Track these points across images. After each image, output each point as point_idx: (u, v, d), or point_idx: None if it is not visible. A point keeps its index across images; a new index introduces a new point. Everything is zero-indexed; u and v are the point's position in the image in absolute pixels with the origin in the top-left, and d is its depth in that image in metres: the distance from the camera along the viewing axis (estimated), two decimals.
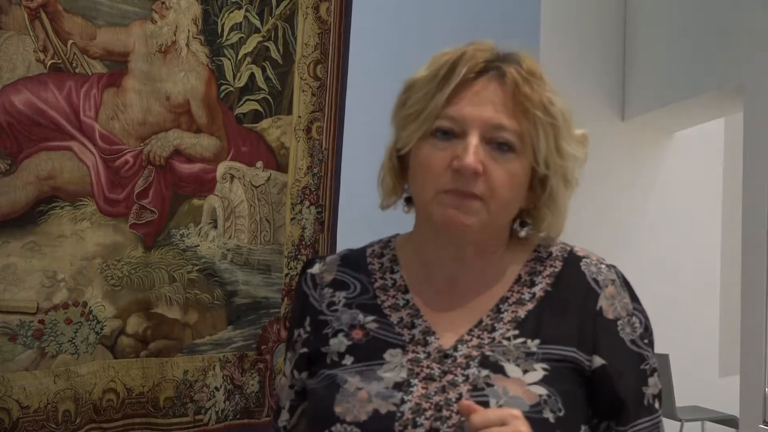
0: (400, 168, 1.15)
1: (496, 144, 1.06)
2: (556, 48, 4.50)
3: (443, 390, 1.03)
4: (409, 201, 1.19)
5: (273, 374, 2.26)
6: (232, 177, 2.22)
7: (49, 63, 1.91)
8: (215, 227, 2.19)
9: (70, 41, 1.94)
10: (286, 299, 2.27)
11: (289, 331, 1.22)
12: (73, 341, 1.94)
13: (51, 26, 1.91)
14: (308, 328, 1.16)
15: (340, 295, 1.16)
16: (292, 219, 2.33)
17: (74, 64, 1.95)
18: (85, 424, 1.96)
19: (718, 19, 4.01)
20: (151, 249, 2.08)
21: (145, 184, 2.07)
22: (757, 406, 3.18)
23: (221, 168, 2.20)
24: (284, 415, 1.21)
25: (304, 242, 2.35)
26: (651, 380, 1.10)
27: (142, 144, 2.06)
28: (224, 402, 2.20)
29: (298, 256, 2.31)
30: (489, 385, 1.03)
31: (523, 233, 1.17)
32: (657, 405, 1.11)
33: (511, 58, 1.10)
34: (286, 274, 2.30)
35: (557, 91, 1.11)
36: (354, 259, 1.21)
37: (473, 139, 1.05)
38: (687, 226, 5.68)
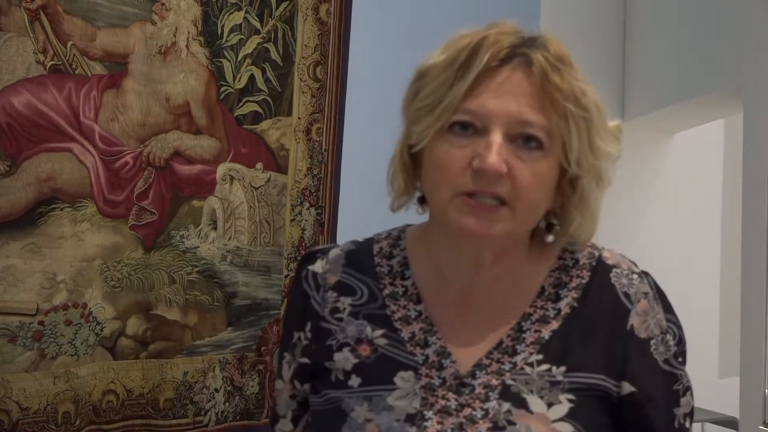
0: (413, 165, 1.03)
1: (522, 141, 0.94)
2: None
3: (461, 428, 0.95)
4: (422, 200, 1.07)
5: (273, 376, 2.26)
6: (232, 178, 2.22)
7: (49, 64, 1.90)
8: (215, 229, 2.19)
9: (70, 42, 1.94)
10: (285, 300, 2.27)
11: (285, 330, 1.12)
12: (73, 342, 1.94)
13: (51, 27, 1.91)
14: (309, 335, 1.07)
15: (345, 302, 1.06)
16: (291, 220, 2.33)
17: (74, 66, 1.95)
18: (85, 425, 1.96)
19: (717, 21, 4.01)
20: (150, 250, 2.08)
21: (144, 186, 2.06)
22: (757, 408, 3.18)
23: (221, 169, 2.20)
24: (287, 425, 1.13)
25: (303, 243, 2.35)
26: (683, 400, 1.03)
27: (141, 145, 2.06)
28: (224, 403, 2.20)
29: (298, 258, 2.31)
30: (510, 423, 0.94)
31: (550, 238, 1.05)
32: (687, 424, 1.04)
33: (538, 42, 0.98)
34: (286, 276, 2.30)
35: (588, 81, 0.99)
36: (360, 259, 1.09)
37: (497, 137, 0.93)
38: (686, 226, 5.67)
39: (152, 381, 2.07)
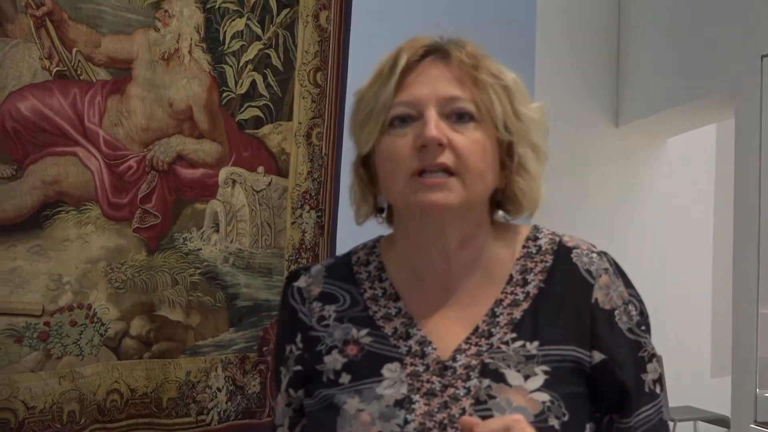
0: (368, 176, 1.10)
1: (456, 116, 1.01)
2: (552, 59, 4.51)
3: (446, 406, 0.99)
4: (380, 211, 1.14)
5: (273, 376, 2.26)
6: (234, 182, 2.22)
7: (55, 70, 1.91)
8: (217, 231, 2.20)
9: (75, 49, 1.94)
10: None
11: (278, 346, 1.16)
12: (78, 343, 1.94)
13: (56, 34, 1.91)
14: (300, 345, 1.11)
15: (330, 309, 1.10)
16: (292, 223, 2.33)
17: (79, 72, 1.95)
18: (89, 424, 1.96)
19: (709, 28, 4.02)
20: (154, 252, 2.08)
21: (148, 189, 2.07)
22: (748, 407, 3.18)
23: (223, 173, 2.20)
24: None
25: (304, 246, 2.35)
26: (650, 366, 1.07)
27: (145, 149, 2.06)
28: (226, 402, 2.20)
29: (299, 260, 2.31)
30: (491, 397, 0.98)
31: (500, 213, 1.11)
32: (658, 389, 1.08)
33: (453, 40, 1.06)
34: (287, 277, 2.30)
35: (508, 69, 1.07)
36: (340, 269, 1.14)
37: (432, 113, 1.00)
38: (680, 230, 5.68)
39: (156, 380, 2.08)
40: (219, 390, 2.19)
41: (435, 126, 0.99)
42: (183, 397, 2.12)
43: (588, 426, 1.03)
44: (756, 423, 2.92)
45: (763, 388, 3.07)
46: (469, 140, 1.00)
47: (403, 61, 1.02)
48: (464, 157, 0.99)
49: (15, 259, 1.84)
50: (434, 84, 1.02)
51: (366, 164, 1.09)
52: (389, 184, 1.04)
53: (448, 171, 0.99)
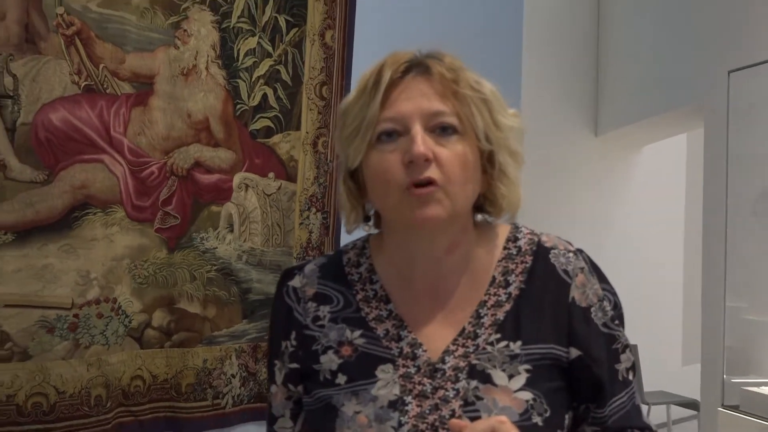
0: (356, 188, 1.05)
1: (440, 130, 0.97)
2: (537, 75, 4.51)
3: (436, 408, 0.97)
4: (367, 219, 1.09)
5: None
6: (247, 186, 2.22)
7: (83, 84, 1.90)
8: (231, 231, 2.19)
9: (102, 65, 1.93)
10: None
11: (272, 341, 1.12)
12: (104, 333, 1.94)
13: (85, 51, 1.90)
14: (294, 342, 1.07)
15: (325, 310, 1.06)
16: (300, 224, 2.33)
17: (105, 86, 1.94)
18: (115, 407, 1.95)
19: (681, 44, 4.01)
20: (174, 251, 2.08)
21: (168, 193, 2.06)
22: (716, 391, 3.18)
23: (237, 178, 2.19)
24: (286, 423, 1.12)
25: (311, 245, 2.34)
26: (623, 356, 1.04)
27: (166, 157, 2.05)
28: (240, 388, 2.19)
29: (306, 257, 2.30)
30: (479, 398, 0.96)
31: (480, 217, 1.07)
32: (630, 377, 1.06)
33: (433, 54, 1.02)
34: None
35: (483, 77, 1.03)
36: (332, 270, 1.10)
37: (418, 129, 0.96)
38: (653, 230, 5.68)
39: (175, 368, 2.07)
40: (233, 376, 2.18)
41: (422, 142, 0.95)
42: (200, 382, 2.11)
43: (567, 416, 1.01)
44: (723, 406, 2.91)
45: (730, 375, 3.06)
46: (453, 153, 0.97)
47: (386, 77, 0.98)
48: (449, 169, 0.96)
49: (47, 257, 1.84)
50: (418, 99, 0.98)
51: (353, 175, 1.05)
52: (381, 198, 1.00)
53: (434, 183, 0.96)
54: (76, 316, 1.88)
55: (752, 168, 3.19)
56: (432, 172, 0.96)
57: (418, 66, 1.00)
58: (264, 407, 2.20)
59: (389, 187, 0.97)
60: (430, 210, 0.96)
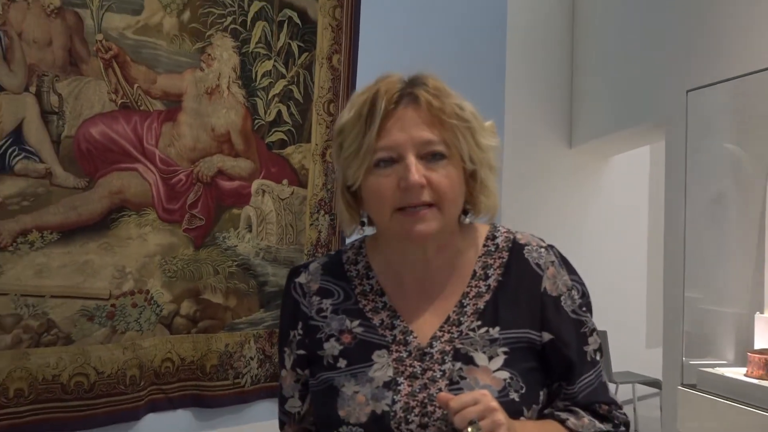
0: (354, 200, 1.06)
1: (430, 156, 0.98)
2: (517, 90, 4.51)
3: (425, 387, 0.97)
4: (362, 224, 1.09)
5: None
6: (264, 192, 2.22)
7: (120, 102, 1.91)
8: (250, 231, 2.20)
9: (136, 85, 1.94)
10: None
11: (282, 331, 1.12)
12: (138, 321, 1.95)
13: (121, 73, 1.92)
14: (301, 332, 1.08)
15: (327, 302, 1.07)
16: (310, 225, 2.33)
17: (139, 103, 1.95)
18: (147, 386, 1.96)
19: (646, 64, 4.02)
20: (199, 248, 2.08)
21: (195, 198, 2.07)
22: (676, 372, 3.18)
23: (255, 185, 2.20)
24: (295, 402, 1.13)
25: (320, 243, 2.35)
26: (591, 339, 1.05)
27: (192, 166, 2.06)
28: (257, 369, 2.20)
29: (316, 254, 2.31)
30: (462, 378, 0.97)
31: (467, 221, 1.08)
32: (598, 357, 1.06)
33: (418, 80, 1.02)
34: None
35: (462, 97, 1.03)
36: (333, 267, 1.11)
37: (411, 159, 0.97)
38: (620, 231, 5.69)
39: (201, 351, 2.08)
40: (252, 359, 2.19)
41: (416, 171, 0.96)
42: (223, 364, 2.12)
43: (541, 393, 1.02)
44: (683, 385, 2.92)
45: (689, 357, 3.07)
46: (443, 176, 0.98)
47: (381, 108, 0.98)
48: (441, 191, 0.98)
49: (87, 254, 1.85)
50: (410, 130, 0.98)
51: (349, 188, 1.05)
52: (378, 215, 1.02)
53: (428, 205, 0.98)
54: (113, 305, 1.90)
55: (707, 176, 3.21)
56: (427, 196, 0.97)
57: (407, 95, 1.00)
58: (279, 386, 2.21)
59: (383, 208, 0.99)
60: (425, 226, 0.98)
